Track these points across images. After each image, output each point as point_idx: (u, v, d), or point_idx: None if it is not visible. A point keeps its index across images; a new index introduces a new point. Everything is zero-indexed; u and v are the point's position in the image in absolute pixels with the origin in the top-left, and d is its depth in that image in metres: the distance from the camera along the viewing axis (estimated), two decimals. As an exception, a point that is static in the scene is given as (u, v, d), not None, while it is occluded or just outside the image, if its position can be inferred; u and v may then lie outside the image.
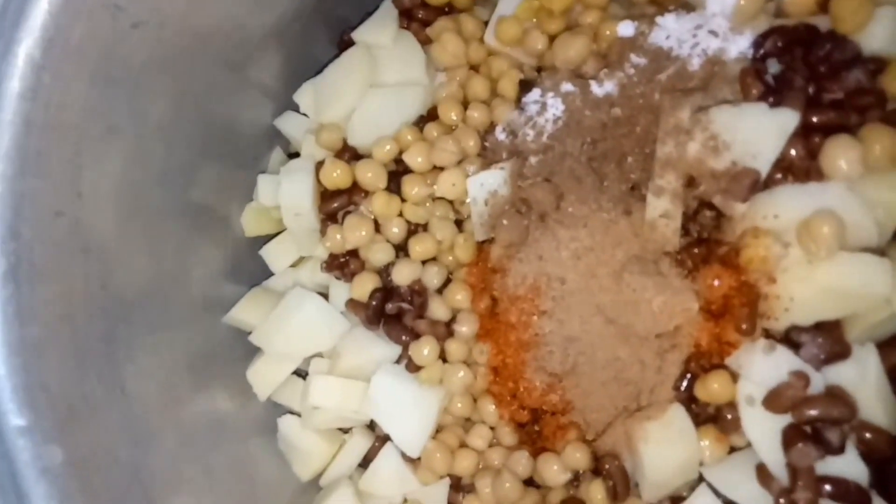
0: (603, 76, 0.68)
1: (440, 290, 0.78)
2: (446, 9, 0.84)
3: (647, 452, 0.65)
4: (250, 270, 0.88)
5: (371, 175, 0.76)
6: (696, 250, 0.63)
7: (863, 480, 0.59)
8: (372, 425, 0.83)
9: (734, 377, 0.63)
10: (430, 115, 0.80)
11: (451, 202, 0.78)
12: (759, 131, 0.60)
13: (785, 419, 0.60)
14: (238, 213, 0.88)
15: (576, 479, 0.73)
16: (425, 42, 0.82)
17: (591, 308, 0.67)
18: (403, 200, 0.78)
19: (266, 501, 0.80)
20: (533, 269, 0.70)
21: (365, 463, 0.80)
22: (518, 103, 0.75)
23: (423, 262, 0.77)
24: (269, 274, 0.88)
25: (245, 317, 0.83)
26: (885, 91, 0.61)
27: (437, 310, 0.77)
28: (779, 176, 0.61)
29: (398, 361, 0.79)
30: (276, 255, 0.87)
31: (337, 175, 0.77)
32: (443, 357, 0.77)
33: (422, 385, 0.76)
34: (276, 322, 0.80)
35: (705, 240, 0.65)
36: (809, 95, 0.60)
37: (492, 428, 0.78)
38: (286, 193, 0.78)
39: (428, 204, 0.78)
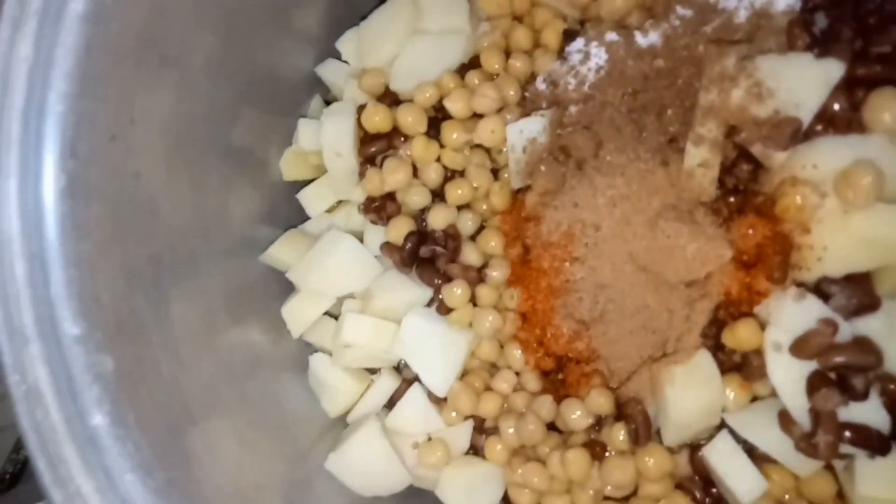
0: (648, 27, 0.69)
1: (473, 237, 0.80)
2: (492, -41, 0.84)
3: (673, 394, 0.66)
4: (287, 214, 0.90)
5: (411, 119, 0.78)
6: (731, 199, 0.64)
7: (884, 429, 0.60)
8: (399, 368, 0.85)
9: (762, 326, 0.64)
10: (472, 64, 0.81)
11: (488, 150, 0.79)
12: (803, 81, 0.60)
13: (810, 366, 0.61)
14: (277, 157, 0.90)
15: (598, 424, 0.75)
16: (470, -9, 0.83)
17: (624, 255, 0.68)
18: (442, 146, 0.79)
19: (296, 433, 0.82)
20: (568, 215, 0.71)
21: (391, 404, 0.83)
22: (560, 54, 0.76)
23: (459, 208, 0.79)
24: (305, 218, 0.91)
25: (281, 256, 0.85)
26: (934, 47, 0.61)
27: (470, 255, 0.79)
28: (819, 128, 0.62)
29: (429, 304, 0.81)
30: (312, 199, 0.89)
31: (378, 119, 0.79)
32: (473, 302, 0.79)
33: (451, 327, 0.78)
34: (312, 261, 0.82)
35: (741, 191, 0.65)
36: (856, 48, 0.61)
37: (517, 374, 0.80)
38: (328, 134, 0.80)
39: (466, 151, 0.79)
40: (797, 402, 0.62)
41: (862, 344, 0.60)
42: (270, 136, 0.90)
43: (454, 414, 0.79)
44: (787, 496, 0.67)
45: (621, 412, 0.73)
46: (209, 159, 0.79)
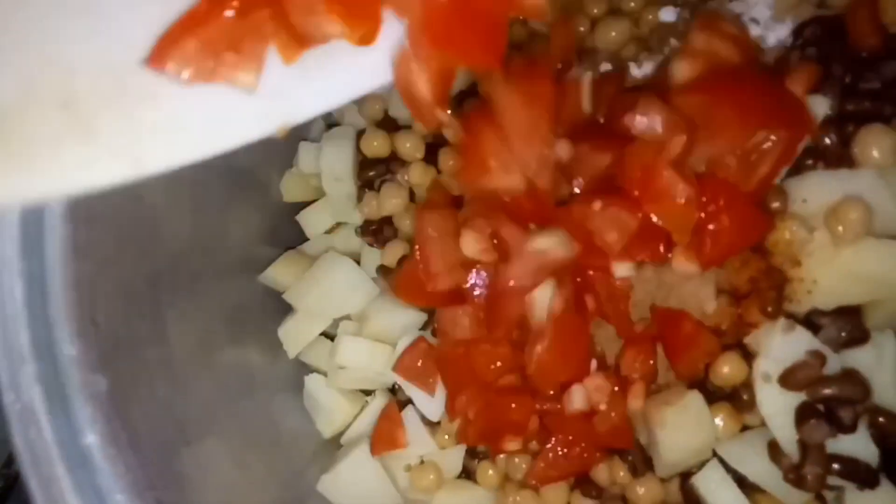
0: (642, 58, 0.70)
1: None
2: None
3: (664, 436, 0.67)
4: (286, 234, 0.92)
5: (409, 145, 0.79)
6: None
7: (872, 461, 0.60)
8: (393, 389, 0.85)
9: (750, 356, 0.65)
10: (471, 91, 0.82)
11: (485, 176, 0.80)
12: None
13: (799, 397, 0.62)
14: (277, 178, 0.91)
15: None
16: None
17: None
18: (439, 172, 0.80)
19: (290, 453, 0.83)
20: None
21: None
22: (556, 83, 0.77)
23: (455, 233, 0.80)
24: (304, 239, 0.92)
25: (280, 276, 0.86)
26: (922, 84, 0.62)
27: (465, 280, 0.79)
28: (809, 162, 0.63)
29: (424, 328, 0.81)
30: (312, 220, 0.90)
31: (377, 144, 0.80)
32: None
33: (445, 351, 0.79)
34: (309, 282, 0.83)
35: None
36: (846, 84, 0.62)
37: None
38: (327, 158, 0.82)
39: (463, 177, 0.80)
40: (786, 434, 0.62)
41: (850, 376, 0.60)
42: (272, 157, 0.91)
43: (447, 437, 0.80)
44: (776, 527, 0.67)
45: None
46: (211, 180, 0.80)
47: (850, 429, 0.59)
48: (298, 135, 0.92)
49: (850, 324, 0.61)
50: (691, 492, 0.69)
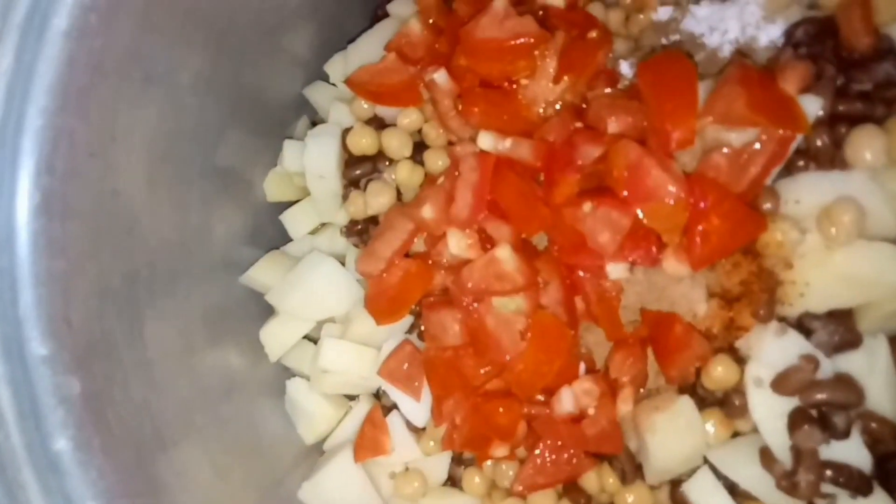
0: (632, 57, 0.70)
1: (456, 264, 0.79)
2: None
3: (654, 442, 0.66)
4: (269, 235, 0.89)
5: (397, 143, 0.78)
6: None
7: (865, 468, 0.59)
8: (378, 394, 0.84)
9: (742, 360, 0.64)
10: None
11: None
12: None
13: (792, 402, 0.61)
14: (261, 178, 0.89)
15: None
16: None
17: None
18: (427, 171, 0.79)
19: (271, 459, 0.81)
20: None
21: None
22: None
23: (442, 233, 0.79)
24: (288, 240, 0.90)
25: (262, 277, 0.84)
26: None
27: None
28: (801, 163, 0.62)
29: (409, 331, 0.80)
30: (296, 220, 0.88)
31: (366, 142, 0.79)
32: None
33: (432, 354, 0.77)
34: (292, 282, 0.81)
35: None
36: (838, 85, 0.61)
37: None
38: (311, 155, 0.80)
39: (450, 177, 0.79)
40: (778, 439, 0.61)
41: (843, 381, 0.60)
42: (256, 156, 0.89)
43: (432, 444, 0.78)
44: (768, 536, 0.66)
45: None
46: (192, 178, 0.78)
47: (844, 435, 0.58)
48: (284, 133, 0.90)
49: (843, 327, 0.61)
50: (681, 500, 0.68)
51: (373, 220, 0.80)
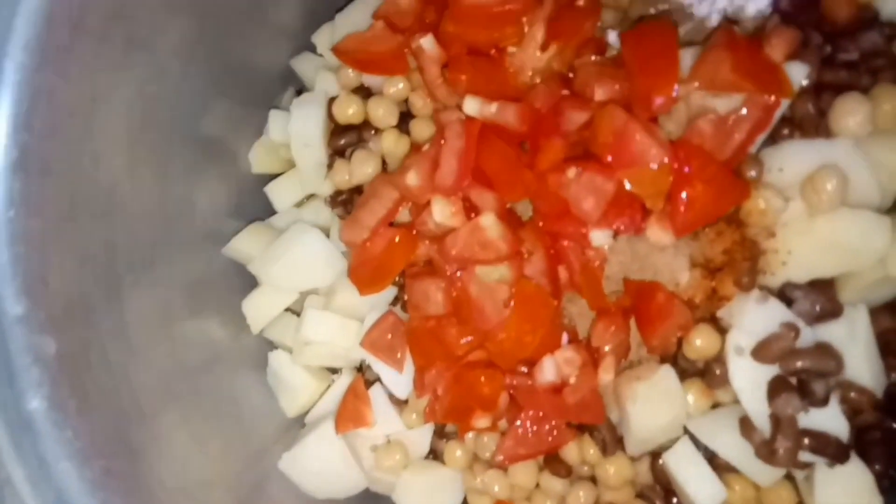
0: (619, 27, 0.69)
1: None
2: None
3: (635, 412, 0.66)
4: (254, 207, 0.89)
5: (382, 112, 0.77)
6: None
7: (843, 436, 0.60)
8: (361, 368, 0.83)
9: (723, 330, 0.64)
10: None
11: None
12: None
13: (772, 371, 0.61)
14: (246, 149, 0.89)
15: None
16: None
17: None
18: (413, 141, 0.78)
19: (251, 432, 0.80)
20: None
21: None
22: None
23: (427, 204, 0.78)
24: (273, 213, 0.89)
25: (244, 248, 0.83)
26: (899, 54, 0.61)
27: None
28: (786, 131, 0.62)
29: (393, 303, 0.79)
30: (280, 192, 0.87)
31: (351, 110, 0.78)
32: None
33: (415, 326, 0.77)
34: (275, 253, 0.80)
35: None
36: (824, 55, 0.61)
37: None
38: (297, 123, 0.79)
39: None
40: (758, 407, 0.61)
41: (824, 349, 0.60)
42: (241, 127, 0.88)
43: (415, 416, 0.77)
44: (747, 506, 0.66)
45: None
46: (175, 146, 0.77)
47: (823, 402, 0.58)
48: (271, 104, 0.89)
49: (824, 297, 0.61)
50: (661, 471, 0.68)
51: (357, 191, 0.80)
